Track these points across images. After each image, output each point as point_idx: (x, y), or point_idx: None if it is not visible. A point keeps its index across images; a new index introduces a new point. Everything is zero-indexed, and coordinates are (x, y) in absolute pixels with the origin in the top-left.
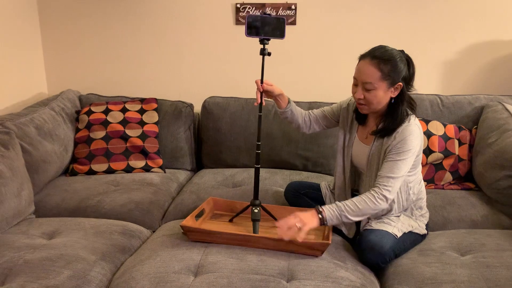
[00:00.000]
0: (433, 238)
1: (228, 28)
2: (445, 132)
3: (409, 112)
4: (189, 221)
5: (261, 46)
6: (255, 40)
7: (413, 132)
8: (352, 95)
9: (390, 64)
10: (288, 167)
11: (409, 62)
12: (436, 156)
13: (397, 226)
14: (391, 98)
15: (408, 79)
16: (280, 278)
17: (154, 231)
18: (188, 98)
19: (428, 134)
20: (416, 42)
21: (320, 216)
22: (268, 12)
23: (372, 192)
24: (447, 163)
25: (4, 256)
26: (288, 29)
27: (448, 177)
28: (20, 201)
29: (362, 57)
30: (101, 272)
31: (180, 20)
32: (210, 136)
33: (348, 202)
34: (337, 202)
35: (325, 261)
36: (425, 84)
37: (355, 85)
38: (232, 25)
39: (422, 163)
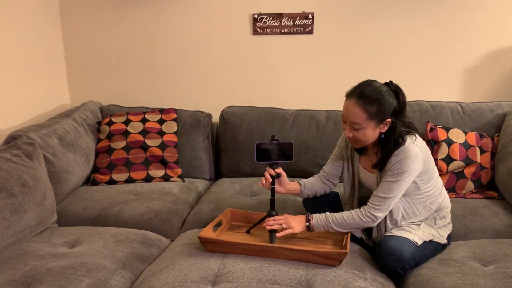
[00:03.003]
0: (455, 248)
1: (245, 38)
2: (466, 140)
3: (410, 132)
4: (206, 232)
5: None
6: (273, 51)
7: (409, 154)
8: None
9: (376, 104)
10: (306, 176)
11: (398, 93)
12: (457, 164)
13: (417, 234)
14: (381, 133)
15: (399, 111)
16: None
17: (173, 240)
18: (207, 108)
19: (448, 142)
20: (436, 50)
21: (307, 223)
22: (276, 138)
23: (361, 209)
24: (468, 171)
25: (27, 264)
26: (305, 38)
27: (470, 185)
28: (43, 210)
29: (348, 96)
30: (121, 280)
31: (198, 31)
32: (228, 146)
33: (337, 215)
34: (327, 213)
35: (343, 270)
36: (445, 91)
37: (344, 122)
38: (250, 35)
39: (442, 171)
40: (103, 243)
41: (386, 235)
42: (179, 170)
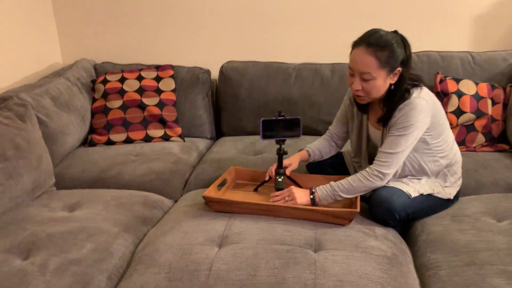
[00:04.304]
0: (466, 203)
1: None
2: (477, 91)
3: (417, 85)
4: (211, 192)
5: (277, 146)
6: (274, 1)
7: (415, 106)
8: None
9: (387, 50)
10: (310, 133)
11: (404, 43)
12: (467, 117)
13: (414, 186)
14: (391, 85)
15: (406, 62)
16: (307, 249)
17: (175, 201)
18: (205, 64)
19: (459, 94)
20: None
21: (311, 196)
22: (282, 114)
23: (367, 169)
24: (479, 124)
25: (26, 230)
26: None
27: (481, 138)
28: (39, 173)
29: (356, 45)
30: (124, 244)
31: None
32: (229, 103)
33: (343, 181)
34: (331, 182)
35: (353, 230)
36: (455, 40)
37: (351, 75)
38: None
39: (452, 125)
40: (103, 206)
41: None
42: (179, 130)
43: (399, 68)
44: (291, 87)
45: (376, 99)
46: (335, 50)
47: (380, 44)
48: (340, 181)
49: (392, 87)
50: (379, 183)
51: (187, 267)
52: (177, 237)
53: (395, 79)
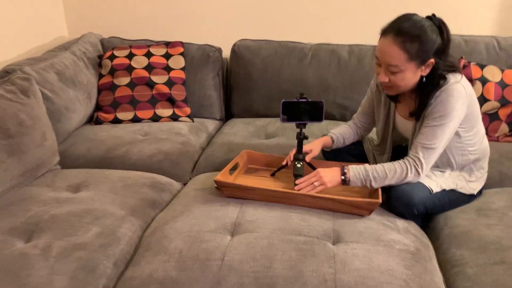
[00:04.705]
0: (491, 197)
1: None
2: (502, 78)
3: (455, 71)
4: (223, 176)
5: (298, 129)
6: None
7: (452, 93)
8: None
9: (418, 41)
10: (325, 117)
11: (442, 29)
12: (491, 105)
13: (437, 181)
14: (422, 77)
15: (443, 50)
16: (326, 240)
17: (185, 184)
18: (216, 42)
19: (483, 81)
20: None
21: (343, 177)
22: (304, 96)
23: (406, 162)
24: (503, 113)
25: (30, 211)
26: None
27: (504, 128)
28: (43, 151)
29: (384, 33)
30: (130, 228)
31: None
32: (240, 83)
33: (378, 167)
34: (366, 165)
35: (374, 221)
36: (479, 24)
37: (378, 65)
38: None
39: None
40: (110, 187)
41: None
42: (187, 109)
43: (432, 60)
44: (306, 69)
45: (406, 91)
46: (353, 30)
47: (411, 34)
48: (374, 166)
49: (424, 79)
50: (414, 179)
51: (198, 256)
52: (187, 223)
53: (428, 71)
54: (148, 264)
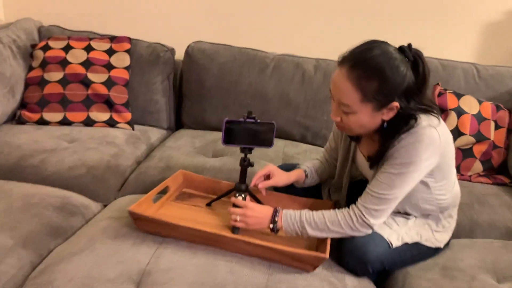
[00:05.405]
0: (460, 251)
1: None
2: (479, 111)
3: (431, 112)
4: (143, 204)
5: (242, 154)
6: None
7: (421, 138)
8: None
9: (377, 80)
10: (284, 137)
11: (417, 63)
12: (466, 139)
13: (398, 232)
14: (383, 121)
15: (416, 89)
16: None
17: (106, 206)
18: (170, 41)
19: (458, 112)
20: None
21: (271, 225)
22: (253, 116)
23: (351, 212)
24: (478, 149)
25: None
26: None
27: (478, 166)
28: None
29: (340, 63)
30: (15, 264)
31: None
32: (193, 90)
33: (316, 215)
34: (302, 211)
35: (318, 278)
36: (459, 49)
37: (332, 99)
38: None
39: None
40: (4, 206)
41: None
42: (128, 115)
43: (396, 104)
44: (267, 80)
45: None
46: (321, 43)
47: (368, 70)
48: (313, 214)
49: (385, 125)
50: (362, 233)
51: None
52: (83, 266)
53: (391, 115)
54: None
